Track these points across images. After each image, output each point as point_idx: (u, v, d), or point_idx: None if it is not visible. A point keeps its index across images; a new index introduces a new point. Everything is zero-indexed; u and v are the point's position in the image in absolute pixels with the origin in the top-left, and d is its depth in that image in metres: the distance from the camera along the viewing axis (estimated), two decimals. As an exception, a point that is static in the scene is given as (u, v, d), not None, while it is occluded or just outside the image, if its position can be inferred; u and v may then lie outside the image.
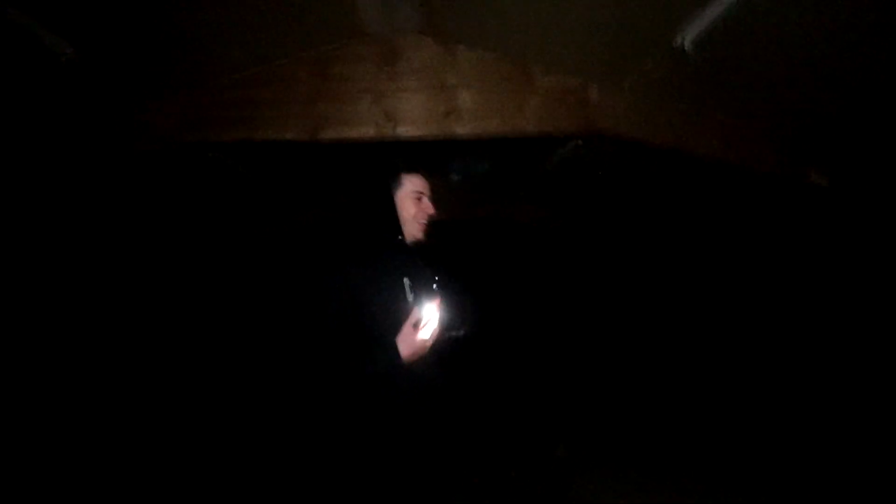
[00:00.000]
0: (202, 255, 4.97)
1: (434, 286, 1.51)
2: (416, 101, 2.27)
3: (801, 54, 1.90)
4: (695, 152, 2.41)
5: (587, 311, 6.18)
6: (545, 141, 3.00)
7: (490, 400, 4.64)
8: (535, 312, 6.17)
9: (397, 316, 1.39)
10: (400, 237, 1.50)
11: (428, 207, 1.52)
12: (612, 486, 3.00)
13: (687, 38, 1.85)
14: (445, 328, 1.43)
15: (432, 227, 1.54)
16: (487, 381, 4.96)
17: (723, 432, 3.88)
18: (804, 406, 3.90)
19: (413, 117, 2.27)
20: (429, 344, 1.38)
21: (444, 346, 1.48)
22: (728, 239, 4.25)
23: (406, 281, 1.47)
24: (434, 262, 1.60)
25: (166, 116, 2.24)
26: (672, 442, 3.72)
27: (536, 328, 6.01)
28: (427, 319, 1.38)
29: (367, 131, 2.22)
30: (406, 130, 2.26)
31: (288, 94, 2.23)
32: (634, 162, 3.05)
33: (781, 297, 4.06)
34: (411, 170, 1.54)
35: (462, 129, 2.28)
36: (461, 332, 1.63)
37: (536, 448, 3.61)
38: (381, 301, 1.40)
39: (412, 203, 1.50)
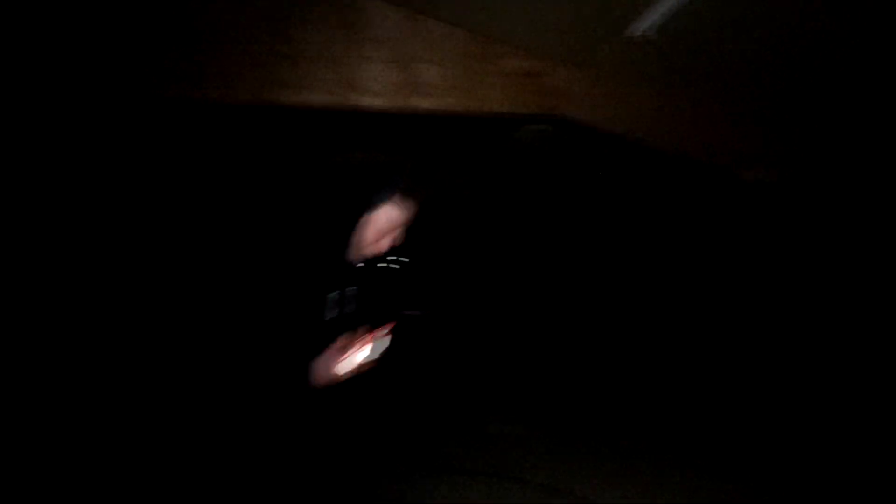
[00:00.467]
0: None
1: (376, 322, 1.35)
2: (379, 71, 2.21)
3: (763, 41, 1.93)
4: (657, 140, 2.46)
5: (541, 296, 6.33)
6: (506, 124, 3.01)
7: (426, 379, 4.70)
8: (489, 294, 6.27)
9: (306, 328, 1.26)
10: (345, 253, 1.33)
11: (386, 245, 1.33)
12: (557, 463, 3.09)
13: (651, 23, 1.87)
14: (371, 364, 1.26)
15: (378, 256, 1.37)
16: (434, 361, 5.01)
17: (668, 408, 4.08)
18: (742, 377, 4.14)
19: (375, 88, 2.21)
20: (344, 378, 1.21)
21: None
22: (687, 225, 4.42)
23: (332, 296, 1.35)
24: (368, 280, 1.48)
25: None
26: (621, 419, 3.87)
27: (487, 312, 6.10)
28: (351, 353, 1.21)
29: (324, 98, 2.14)
30: (367, 101, 2.20)
31: (243, 54, 2.11)
32: (596, 148, 3.10)
33: (736, 281, 4.28)
34: (406, 198, 1.31)
35: (425, 104, 2.24)
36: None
37: (471, 423, 3.67)
38: (298, 305, 1.28)
39: (375, 234, 1.30)
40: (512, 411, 4.07)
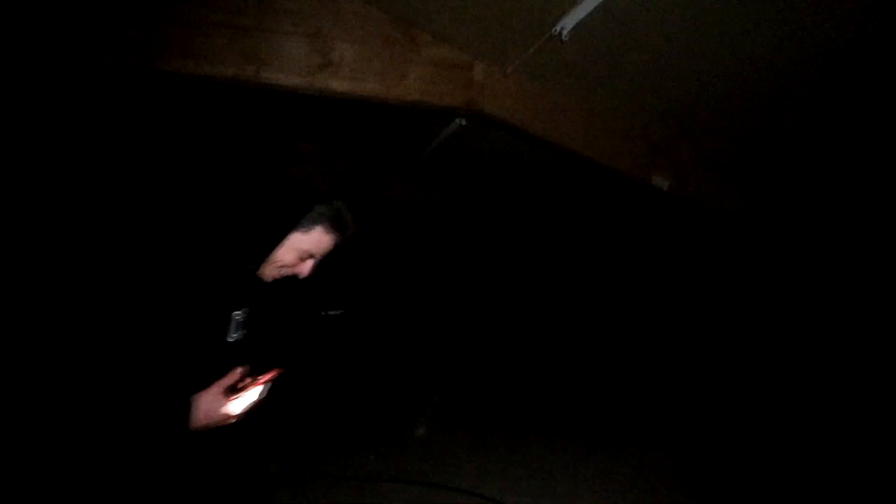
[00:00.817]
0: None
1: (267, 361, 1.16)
2: (288, 45, 2.02)
3: (672, 52, 2.04)
4: (563, 144, 2.53)
5: (464, 294, 6.38)
6: (429, 115, 2.94)
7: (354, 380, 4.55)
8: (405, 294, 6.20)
9: (203, 352, 1.08)
10: (254, 266, 1.18)
11: (306, 271, 1.23)
12: (477, 468, 3.09)
13: (566, 26, 1.89)
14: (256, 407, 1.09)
15: (291, 279, 1.25)
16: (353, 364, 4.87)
17: (591, 409, 4.28)
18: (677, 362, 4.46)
19: (282, 64, 2.02)
20: (233, 420, 1.04)
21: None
22: (599, 229, 4.66)
23: (236, 315, 1.19)
24: (274, 299, 1.30)
25: None
26: (546, 419, 3.98)
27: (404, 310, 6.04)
28: (246, 391, 1.05)
29: (223, 70, 1.91)
30: (274, 77, 2.01)
31: (123, 15, 1.82)
32: (514, 146, 3.13)
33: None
34: (338, 227, 1.20)
35: (339, 86, 2.09)
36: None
37: (395, 428, 3.60)
38: (195, 323, 1.07)
39: (297, 256, 1.19)
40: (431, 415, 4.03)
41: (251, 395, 1.07)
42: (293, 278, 1.23)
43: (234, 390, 1.05)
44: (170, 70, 1.83)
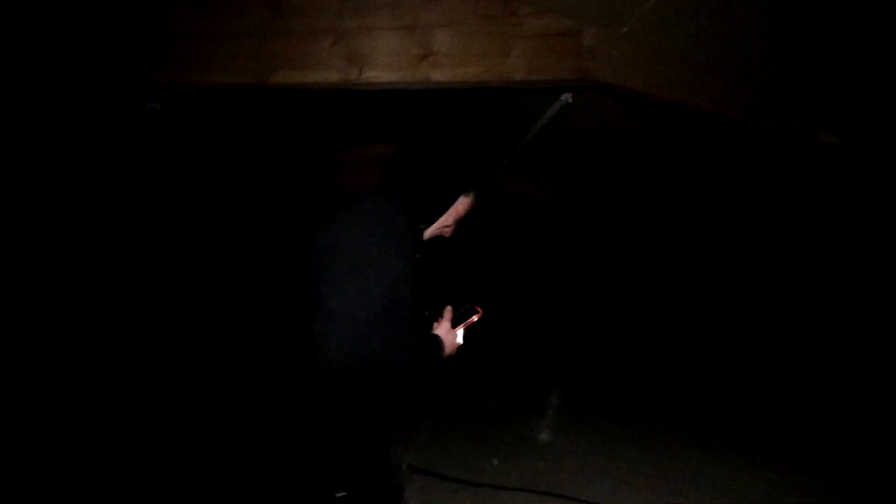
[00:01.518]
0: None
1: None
2: (387, 41, 1.96)
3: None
4: (696, 105, 2.17)
5: (577, 287, 6.04)
6: (534, 94, 2.75)
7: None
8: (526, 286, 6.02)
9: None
10: (424, 226, 1.37)
11: (451, 232, 1.44)
12: (612, 480, 2.84)
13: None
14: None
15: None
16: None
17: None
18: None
19: (383, 61, 1.96)
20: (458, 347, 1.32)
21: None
22: (732, 207, 4.07)
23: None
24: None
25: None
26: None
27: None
28: (464, 325, 1.33)
29: (328, 76, 1.91)
30: (375, 76, 1.96)
31: (235, 29, 1.89)
32: (632, 118, 2.80)
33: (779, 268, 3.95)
34: (479, 194, 1.43)
35: (439, 76, 1.99)
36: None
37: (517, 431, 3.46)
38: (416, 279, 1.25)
39: (455, 217, 1.39)
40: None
41: (466, 328, 1.34)
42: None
43: (455, 325, 1.32)
44: (280, 84, 1.86)
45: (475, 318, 1.33)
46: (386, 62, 1.96)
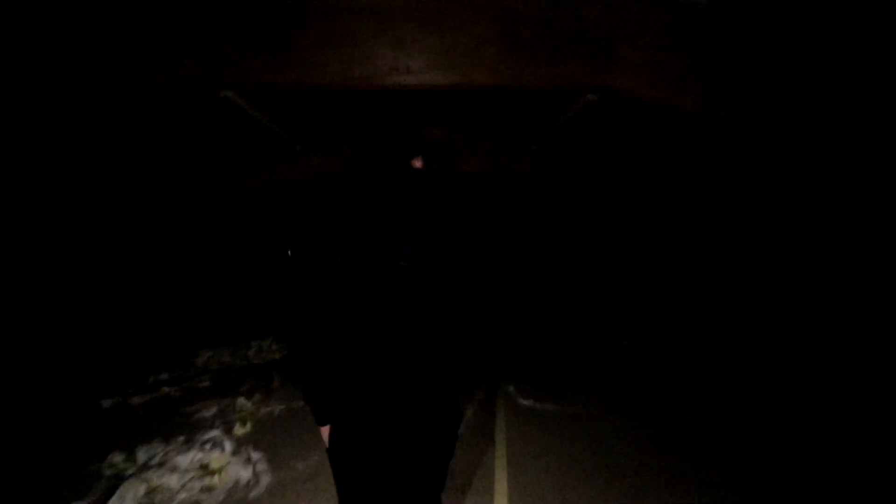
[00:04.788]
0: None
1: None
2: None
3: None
4: (715, 116, 2.41)
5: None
6: (559, 93, 3.00)
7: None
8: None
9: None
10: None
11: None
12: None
13: (705, -6, 1.82)
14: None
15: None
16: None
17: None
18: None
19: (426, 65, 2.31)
20: None
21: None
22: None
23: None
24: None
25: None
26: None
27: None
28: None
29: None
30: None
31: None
32: (649, 121, 3.04)
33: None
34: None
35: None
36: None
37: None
38: None
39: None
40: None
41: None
42: None
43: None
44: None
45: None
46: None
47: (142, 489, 2.26)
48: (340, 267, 1.23)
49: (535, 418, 3.30)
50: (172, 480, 2.34)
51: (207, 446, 2.64)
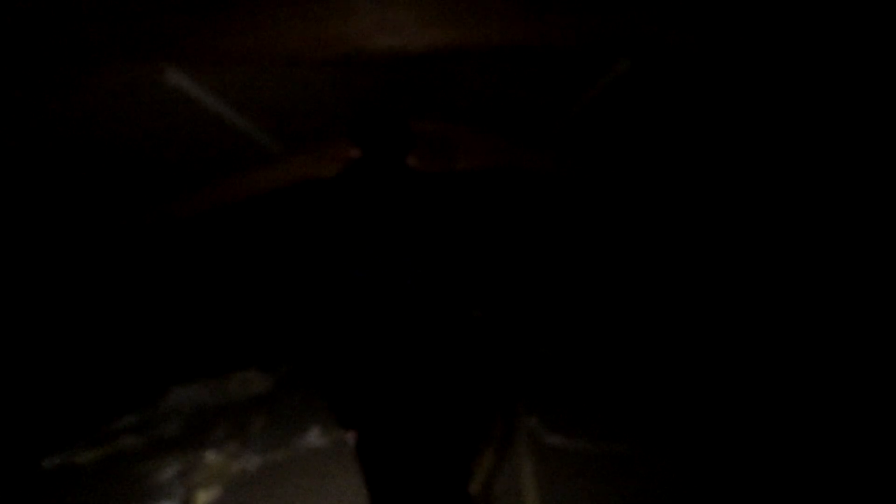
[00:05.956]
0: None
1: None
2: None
3: None
4: None
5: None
6: (581, 65, 2.49)
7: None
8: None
9: None
10: None
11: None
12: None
13: None
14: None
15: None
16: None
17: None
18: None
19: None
20: None
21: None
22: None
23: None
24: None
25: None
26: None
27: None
28: None
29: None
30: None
31: None
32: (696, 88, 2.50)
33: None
34: None
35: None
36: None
37: None
38: None
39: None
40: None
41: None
42: None
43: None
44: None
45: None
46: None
47: None
48: (362, 299, 1.24)
49: (567, 460, 2.75)
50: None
51: (159, 523, 2.06)
